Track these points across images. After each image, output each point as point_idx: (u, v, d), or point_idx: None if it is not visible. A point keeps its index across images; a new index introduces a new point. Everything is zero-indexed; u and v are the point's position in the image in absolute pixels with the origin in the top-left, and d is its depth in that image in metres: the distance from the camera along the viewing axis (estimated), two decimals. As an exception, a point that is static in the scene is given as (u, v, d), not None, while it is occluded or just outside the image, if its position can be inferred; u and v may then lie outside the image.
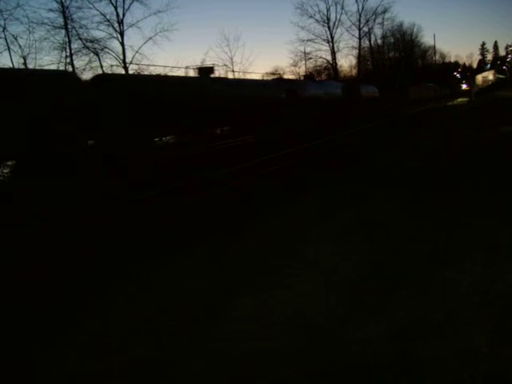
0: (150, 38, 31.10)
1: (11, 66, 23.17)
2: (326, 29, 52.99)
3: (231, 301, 4.80)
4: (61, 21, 26.66)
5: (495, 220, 6.75)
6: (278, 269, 5.59)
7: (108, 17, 29.16)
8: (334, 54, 52.91)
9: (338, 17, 54.38)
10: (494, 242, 5.83)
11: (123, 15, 29.66)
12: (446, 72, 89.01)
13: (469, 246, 5.77)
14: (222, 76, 22.47)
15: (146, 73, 27.80)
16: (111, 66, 28.98)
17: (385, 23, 60.95)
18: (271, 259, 5.96)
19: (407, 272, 5.19)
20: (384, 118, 30.39)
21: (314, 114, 23.51)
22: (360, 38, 56.25)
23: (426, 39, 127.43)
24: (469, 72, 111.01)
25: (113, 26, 29.36)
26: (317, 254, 5.98)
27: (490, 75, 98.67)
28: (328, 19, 52.78)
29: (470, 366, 3.35)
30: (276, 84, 22.28)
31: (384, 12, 58.56)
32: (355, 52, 57.31)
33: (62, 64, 26.38)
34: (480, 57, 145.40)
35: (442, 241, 6.05)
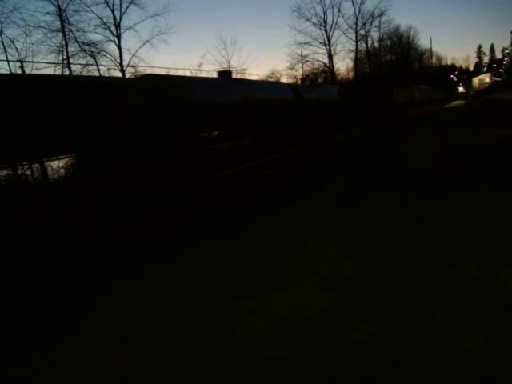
0: (147, 41, 31.02)
1: (8, 69, 23.13)
2: (323, 32, 53.00)
3: (229, 303, 4.80)
4: (58, 24, 26.60)
5: (492, 226, 6.76)
6: (277, 271, 5.60)
7: (105, 20, 29.11)
8: (330, 56, 52.96)
9: (335, 20, 54.28)
10: (487, 246, 5.84)
11: (120, 18, 29.61)
12: (443, 75, 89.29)
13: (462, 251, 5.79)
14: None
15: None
16: (108, 68, 28.97)
17: (381, 26, 61.05)
18: (271, 261, 5.96)
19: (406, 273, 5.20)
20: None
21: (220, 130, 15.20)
22: (357, 41, 56.35)
23: (423, 42, 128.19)
24: (465, 75, 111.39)
25: (110, 29, 29.32)
26: (316, 254, 5.99)
27: (486, 78, 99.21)
28: (325, 22, 52.80)
29: (467, 368, 3.35)
30: (131, 84, 12.65)
31: (381, 15, 58.65)
32: (352, 55, 57.33)
33: (59, 67, 26.37)
34: (476, 59, 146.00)
35: (436, 244, 6.07)
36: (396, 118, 33.13)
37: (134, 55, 30.01)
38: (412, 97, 50.38)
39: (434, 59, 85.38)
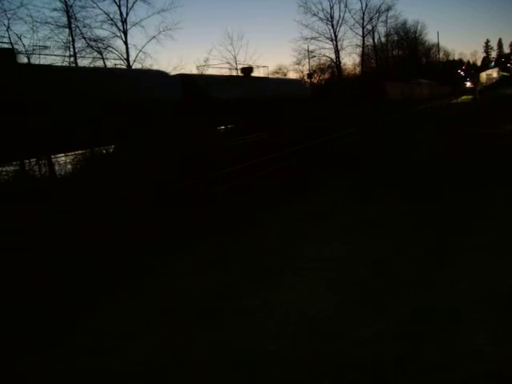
0: (154, 37, 31.11)
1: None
2: (330, 27, 53.00)
3: (234, 300, 4.83)
4: (64, 20, 26.73)
5: (496, 220, 6.75)
6: (281, 268, 5.62)
7: (111, 16, 29.22)
8: (337, 52, 52.89)
9: (342, 15, 54.58)
10: (489, 243, 5.83)
11: (127, 14, 29.71)
12: (450, 70, 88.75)
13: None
14: None
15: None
16: (115, 64, 29.05)
17: (388, 21, 60.98)
18: (274, 258, 5.98)
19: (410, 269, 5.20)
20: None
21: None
22: (364, 36, 56.27)
23: (430, 37, 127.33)
24: (473, 70, 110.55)
25: (116, 25, 29.41)
26: (319, 252, 6.01)
27: (494, 73, 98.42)
28: (331, 17, 52.79)
29: (473, 364, 3.36)
30: None
31: (387, 10, 58.61)
32: (359, 50, 57.28)
33: (66, 63, 26.44)
34: (484, 54, 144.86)
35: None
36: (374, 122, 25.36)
37: (140, 51, 30.06)
38: (412, 92, 47.36)
39: (441, 54, 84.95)
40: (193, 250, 6.61)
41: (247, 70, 21.48)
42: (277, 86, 21.89)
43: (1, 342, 4.32)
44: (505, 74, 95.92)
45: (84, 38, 27.66)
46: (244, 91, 16.94)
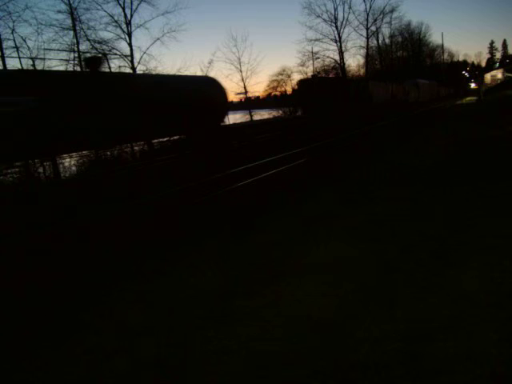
0: (158, 39, 31.16)
1: (20, 67, 23.34)
2: (334, 28, 53.00)
3: (238, 299, 4.83)
4: (69, 22, 26.76)
5: (503, 220, 6.70)
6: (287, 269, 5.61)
7: (116, 18, 29.28)
8: (341, 53, 52.84)
9: (346, 16, 54.50)
10: (496, 243, 5.78)
11: (131, 16, 29.77)
12: (455, 71, 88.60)
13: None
14: None
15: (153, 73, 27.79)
16: (119, 66, 29.14)
17: (392, 22, 60.99)
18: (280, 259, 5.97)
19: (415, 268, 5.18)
20: None
21: None
22: (368, 38, 56.21)
23: (434, 38, 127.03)
24: (477, 71, 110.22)
25: (121, 27, 29.46)
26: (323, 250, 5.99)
27: (498, 74, 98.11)
28: (335, 19, 52.75)
29: (478, 366, 3.34)
30: None
31: (392, 11, 58.57)
32: (363, 51, 57.44)
33: (71, 65, 26.52)
34: (489, 55, 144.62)
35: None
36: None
37: (144, 53, 30.19)
38: (406, 94, 42.47)
39: (445, 55, 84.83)
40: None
41: (93, 62, 13.21)
42: (154, 88, 13.34)
43: (3, 343, 4.33)
44: (510, 75, 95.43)
45: (88, 40, 27.72)
46: (75, 95, 10.07)
